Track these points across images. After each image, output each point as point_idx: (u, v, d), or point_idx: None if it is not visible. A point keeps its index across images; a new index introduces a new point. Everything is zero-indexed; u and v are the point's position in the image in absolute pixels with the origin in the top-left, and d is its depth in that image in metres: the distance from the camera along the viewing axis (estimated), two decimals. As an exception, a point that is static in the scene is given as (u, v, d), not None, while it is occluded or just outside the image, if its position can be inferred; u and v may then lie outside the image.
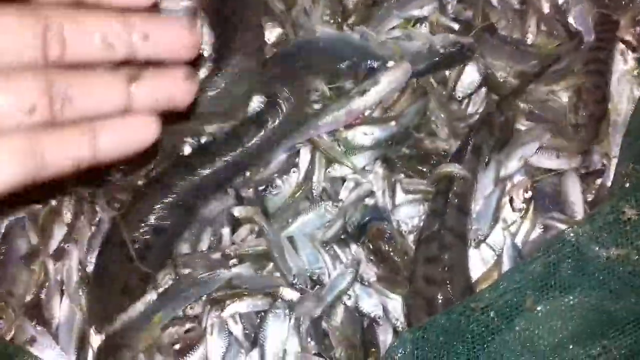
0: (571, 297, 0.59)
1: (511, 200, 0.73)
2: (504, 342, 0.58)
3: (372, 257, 0.73)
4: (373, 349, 0.71)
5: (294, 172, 0.76)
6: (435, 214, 0.71)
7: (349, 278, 0.72)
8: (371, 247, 0.73)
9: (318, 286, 0.72)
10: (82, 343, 0.72)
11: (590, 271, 0.58)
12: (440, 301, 0.67)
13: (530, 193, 0.73)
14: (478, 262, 0.73)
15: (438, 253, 0.68)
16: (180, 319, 0.73)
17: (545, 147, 0.75)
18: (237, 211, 0.74)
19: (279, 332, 0.70)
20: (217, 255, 0.74)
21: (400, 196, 0.74)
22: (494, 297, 0.60)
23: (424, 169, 0.75)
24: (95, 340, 0.72)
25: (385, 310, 0.72)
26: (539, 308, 0.59)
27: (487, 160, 0.74)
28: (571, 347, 0.57)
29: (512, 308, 0.59)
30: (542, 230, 0.73)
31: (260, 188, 0.75)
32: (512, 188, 0.73)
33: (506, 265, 0.71)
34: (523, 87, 0.77)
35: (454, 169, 0.72)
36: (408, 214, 0.73)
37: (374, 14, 0.78)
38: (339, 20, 0.78)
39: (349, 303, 0.72)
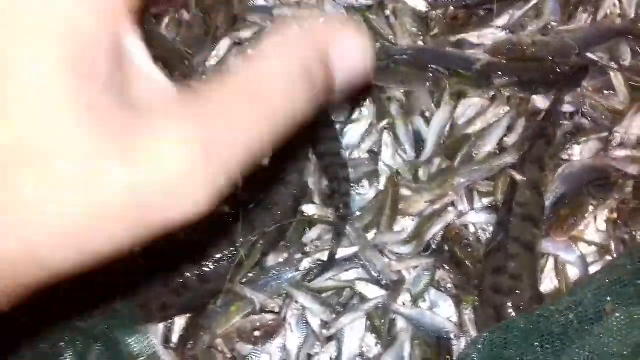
0: (651, 307, 0.60)
1: (596, 220, 0.73)
2: (583, 345, 0.60)
3: (445, 264, 0.75)
4: (447, 352, 0.73)
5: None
6: (501, 224, 0.74)
7: (425, 281, 0.75)
8: (447, 248, 0.75)
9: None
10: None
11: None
12: (508, 310, 0.69)
13: (615, 215, 0.73)
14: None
15: (504, 263, 0.71)
16: (260, 312, 0.77)
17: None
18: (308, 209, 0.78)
19: (357, 328, 0.74)
20: (298, 255, 0.78)
21: (478, 203, 0.77)
22: (573, 301, 0.62)
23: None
24: (180, 322, 0.77)
25: (459, 315, 0.74)
26: (617, 314, 0.60)
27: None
28: (650, 356, 0.58)
29: (592, 312, 0.61)
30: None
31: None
32: (597, 207, 0.74)
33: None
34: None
35: (515, 175, 0.74)
36: (486, 220, 0.75)
37: (454, 28, 0.82)
38: (422, 32, 0.82)
39: (424, 306, 0.75)
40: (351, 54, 0.27)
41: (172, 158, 0.22)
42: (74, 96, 0.21)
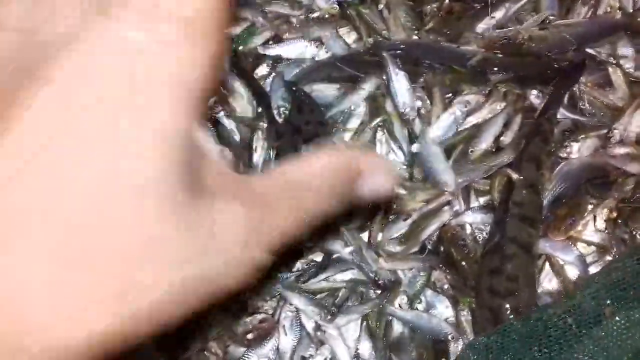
0: (651, 309, 0.59)
1: (595, 219, 0.72)
2: (582, 349, 0.58)
3: (442, 264, 0.74)
4: (443, 355, 0.72)
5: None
6: (497, 224, 0.72)
7: (420, 282, 0.73)
8: (442, 249, 0.74)
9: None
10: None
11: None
12: (505, 312, 0.68)
13: (615, 214, 0.71)
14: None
15: (500, 264, 0.69)
16: (254, 313, 0.76)
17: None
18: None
19: (352, 329, 0.73)
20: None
21: (474, 202, 0.75)
22: (571, 304, 0.61)
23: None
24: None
25: (456, 317, 0.73)
26: (617, 318, 0.59)
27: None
28: (651, 358, 0.57)
29: (591, 316, 0.59)
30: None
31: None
32: (596, 206, 0.72)
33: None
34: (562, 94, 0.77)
35: (511, 174, 0.72)
36: (483, 219, 0.74)
37: (448, 22, 0.81)
38: (416, 26, 0.81)
39: (420, 308, 0.74)
40: (377, 186, 0.34)
41: (227, 246, 0.27)
42: (164, 200, 0.25)
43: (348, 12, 0.81)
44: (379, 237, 0.75)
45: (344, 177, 0.33)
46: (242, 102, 0.79)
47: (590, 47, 0.79)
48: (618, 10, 0.80)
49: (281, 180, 0.31)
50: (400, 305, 0.73)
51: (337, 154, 0.34)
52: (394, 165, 0.36)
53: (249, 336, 0.75)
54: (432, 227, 0.74)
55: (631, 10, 0.80)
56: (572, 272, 0.71)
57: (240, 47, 0.80)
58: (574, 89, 0.76)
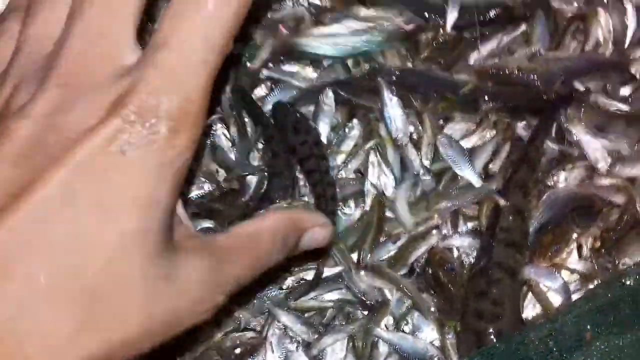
0: (629, 336, 0.60)
1: (579, 248, 0.74)
2: (563, 373, 0.60)
3: (429, 287, 0.75)
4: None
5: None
6: (484, 248, 0.74)
7: (407, 304, 0.74)
8: (430, 271, 0.75)
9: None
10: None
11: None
12: (490, 336, 0.69)
13: (599, 243, 0.73)
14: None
15: (486, 288, 0.71)
16: (242, 330, 0.76)
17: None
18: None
19: (338, 349, 0.74)
20: (282, 273, 0.78)
21: (462, 227, 0.77)
22: (553, 328, 0.62)
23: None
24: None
25: (441, 340, 0.74)
26: (597, 343, 0.60)
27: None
28: (630, 384, 0.58)
29: (572, 340, 0.61)
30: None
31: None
32: (581, 235, 0.74)
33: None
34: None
35: (498, 200, 0.74)
36: (470, 244, 0.75)
37: (443, 52, 0.83)
38: (411, 55, 0.83)
39: (407, 329, 0.75)
40: (317, 237, 0.45)
41: (195, 292, 0.35)
42: (143, 252, 0.32)
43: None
44: (369, 259, 0.76)
45: (290, 232, 0.42)
46: (239, 122, 0.81)
47: (579, 81, 0.81)
48: (610, 46, 0.82)
49: (237, 237, 0.39)
50: (386, 326, 0.74)
51: (283, 212, 0.43)
52: (328, 222, 0.47)
53: (236, 351, 0.76)
54: (421, 250, 0.76)
55: (621, 47, 0.82)
56: (555, 299, 0.72)
57: (241, 68, 0.82)
58: (561, 120, 0.78)
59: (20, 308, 0.30)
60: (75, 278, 0.30)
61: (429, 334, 0.74)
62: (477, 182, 0.76)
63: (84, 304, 0.31)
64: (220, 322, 0.76)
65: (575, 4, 0.83)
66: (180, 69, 0.31)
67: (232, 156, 0.81)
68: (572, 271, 0.73)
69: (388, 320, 0.75)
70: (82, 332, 0.31)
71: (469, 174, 0.77)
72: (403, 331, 0.74)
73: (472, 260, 0.75)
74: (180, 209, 0.36)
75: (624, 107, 0.78)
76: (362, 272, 0.75)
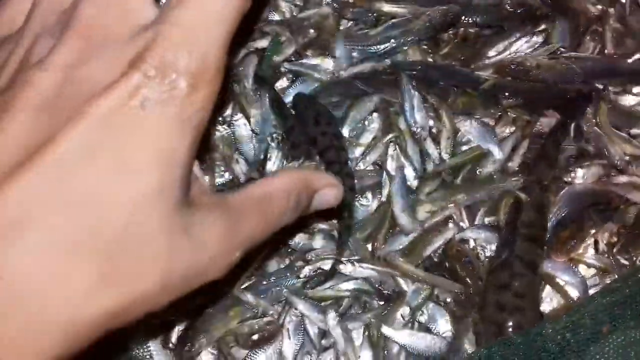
0: (647, 330, 0.61)
1: (596, 243, 0.74)
2: (579, 364, 0.60)
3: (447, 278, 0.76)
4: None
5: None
6: (505, 243, 0.74)
7: (423, 294, 0.75)
8: (447, 265, 0.76)
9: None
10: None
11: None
12: (511, 327, 0.69)
13: (616, 239, 0.74)
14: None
15: (509, 281, 0.71)
16: (260, 317, 0.77)
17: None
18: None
19: (354, 337, 0.74)
20: (299, 262, 0.79)
21: (479, 220, 0.78)
22: (571, 321, 0.63)
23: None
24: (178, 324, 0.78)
25: (455, 331, 0.74)
26: (614, 336, 0.61)
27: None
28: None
29: (589, 333, 0.61)
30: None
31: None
32: (598, 231, 0.74)
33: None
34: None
35: (519, 195, 0.75)
36: (487, 237, 0.76)
37: (462, 48, 0.84)
38: (432, 50, 0.85)
39: (422, 320, 0.75)
40: (328, 197, 0.45)
41: (211, 247, 0.35)
42: (163, 206, 0.32)
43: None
44: (385, 249, 0.77)
45: (302, 191, 0.42)
46: (261, 112, 0.82)
47: (598, 81, 0.82)
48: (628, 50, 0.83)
49: (250, 196, 0.39)
50: (402, 316, 0.75)
51: (295, 172, 0.45)
52: (339, 182, 0.46)
53: (254, 337, 0.77)
54: (437, 244, 0.77)
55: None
56: (573, 293, 0.73)
57: (265, 60, 0.83)
58: (581, 117, 0.79)
59: (38, 260, 0.29)
60: (94, 232, 0.30)
61: (443, 326, 0.75)
62: (498, 153, 0.78)
63: (104, 258, 0.31)
64: (238, 310, 0.77)
65: (597, 6, 0.84)
66: (198, 25, 0.31)
67: (252, 146, 0.82)
68: (589, 266, 0.74)
69: (404, 310, 0.75)
70: (101, 285, 0.31)
71: (492, 146, 0.78)
72: (418, 322, 0.75)
73: (490, 254, 0.76)
74: (196, 167, 0.37)
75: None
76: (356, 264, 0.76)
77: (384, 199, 0.79)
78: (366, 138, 0.81)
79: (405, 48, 0.83)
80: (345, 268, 0.75)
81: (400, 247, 0.77)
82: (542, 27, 0.84)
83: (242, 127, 0.83)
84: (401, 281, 0.76)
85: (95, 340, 0.32)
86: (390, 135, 0.81)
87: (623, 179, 0.75)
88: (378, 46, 0.83)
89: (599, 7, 0.83)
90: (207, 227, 0.35)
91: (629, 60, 0.82)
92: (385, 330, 0.74)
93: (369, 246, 0.78)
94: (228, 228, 0.36)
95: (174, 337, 0.77)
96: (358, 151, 0.81)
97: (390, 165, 0.79)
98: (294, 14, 0.87)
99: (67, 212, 0.30)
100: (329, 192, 0.45)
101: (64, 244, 0.30)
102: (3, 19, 0.40)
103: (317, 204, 0.45)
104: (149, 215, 0.32)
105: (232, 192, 0.39)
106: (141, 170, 0.31)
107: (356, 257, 0.77)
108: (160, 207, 0.32)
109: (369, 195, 0.79)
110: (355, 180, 0.78)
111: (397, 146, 0.80)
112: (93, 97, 0.30)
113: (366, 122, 0.82)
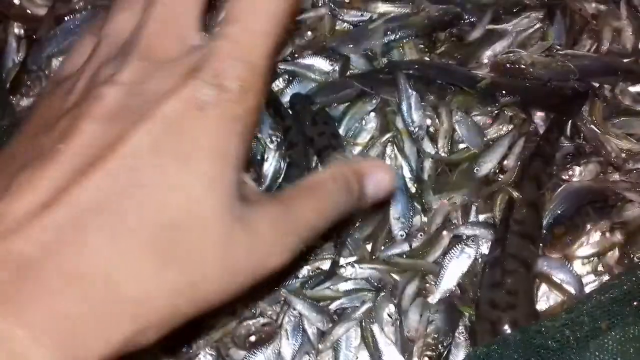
0: (646, 326, 0.61)
1: (592, 241, 0.74)
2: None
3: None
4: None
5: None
6: (498, 240, 0.75)
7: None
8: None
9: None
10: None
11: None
12: (505, 325, 0.70)
13: (612, 237, 0.74)
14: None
15: (501, 278, 0.71)
16: (259, 316, 0.77)
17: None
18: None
19: (352, 338, 0.74)
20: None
21: (473, 217, 0.78)
22: (569, 317, 0.63)
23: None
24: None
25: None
26: (613, 332, 0.61)
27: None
28: (646, 374, 0.59)
29: (588, 330, 0.61)
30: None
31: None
32: (594, 228, 0.75)
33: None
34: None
35: (512, 193, 0.76)
36: (481, 234, 0.76)
37: (459, 47, 0.85)
38: (429, 50, 0.85)
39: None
40: (380, 181, 0.45)
41: (267, 234, 0.37)
42: (220, 196, 0.36)
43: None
44: (382, 251, 0.77)
45: (350, 176, 0.43)
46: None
47: (594, 80, 0.82)
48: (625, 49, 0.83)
49: (299, 187, 0.41)
50: (389, 314, 0.75)
51: (342, 162, 0.45)
52: (389, 166, 0.47)
53: (251, 339, 0.76)
54: (436, 254, 0.76)
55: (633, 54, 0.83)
56: (569, 291, 0.73)
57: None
58: (577, 115, 0.79)
59: (112, 243, 0.33)
60: (157, 217, 0.34)
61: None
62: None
63: (166, 241, 0.34)
64: (236, 311, 0.77)
65: (593, 4, 0.84)
66: (246, 39, 0.37)
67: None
68: (585, 263, 0.74)
69: (390, 308, 0.75)
70: (166, 267, 0.34)
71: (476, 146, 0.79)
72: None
73: (485, 251, 0.76)
74: (243, 173, 0.39)
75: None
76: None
77: (382, 198, 0.79)
78: (364, 138, 0.81)
79: (405, 41, 0.83)
80: (346, 271, 0.75)
81: (400, 251, 0.77)
82: (538, 25, 0.84)
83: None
84: (395, 277, 0.76)
85: (162, 333, 0.35)
86: (388, 135, 0.81)
87: (619, 176, 0.76)
88: (375, 41, 0.83)
89: (595, 5, 0.84)
90: (261, 217, 0.37)
91: (625, 59, 0.82)
92: (375, 328, 0.74)
93: (369, 246, 0.78)
94: (281, 215, 0.39)
95: (172, 338, 0.76)
96: (356, 151, 0.81)
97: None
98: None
99: (137, 198, 0.33)
100: (380, 176, 0.46)
101: (133, 228, 0.33)
102: (73, 61, 0.45)
103: (373, 191, 0.45)
104: (206, 202, 0.35)
105: (285, 189, 0.43)
106: (199, 162, 0.35)
107: (355, 258, 0.77)
108: (216, 196, 0.35)
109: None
110: None
111: (394, 146, 0.80)
112: (156, 102, 0.35)
113: (363, 122, 0.82)
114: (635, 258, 0.72)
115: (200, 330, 0.76)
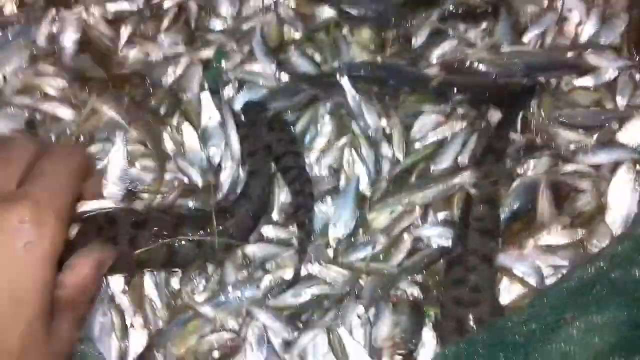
0: (607, 313, 0.62)
1: (548, 233, 0.75)
2: (546, 353, 0.61)
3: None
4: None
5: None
6: (459, 238, 0.75)
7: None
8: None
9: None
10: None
11: (628, 289, 0.62)
12: (471, 321, 0.70)
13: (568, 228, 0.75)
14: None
15: (464, 275, 0.72)
16: (219, 331, 0.75)
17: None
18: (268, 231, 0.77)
19: (319, 345, 0.73)
20: (259, 273, 0.77)
21: (432, 217, 0.78)
22: (533, 311, 0.64)
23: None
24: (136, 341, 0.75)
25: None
26: (577, 323, 0.62)
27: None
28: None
29: (552, 321, 0.62)
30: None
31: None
32: (550, 221, 0.76)
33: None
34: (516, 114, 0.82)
35: (469, 190, 0.76)
36: (441, 233, 0.76)
37: (408, 48, 0.86)
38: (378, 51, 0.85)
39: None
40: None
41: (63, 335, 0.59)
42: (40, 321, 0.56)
43: (312, 35, 0.85)
44: (349, 255, 0.76)
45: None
46: (208, 121, 0.80)
47: (539, 74, 0.84)
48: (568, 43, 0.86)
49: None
50: (358, 316, 0.74)
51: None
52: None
53: (214, 354, 0.74)
54: (399, 257, 0.76)
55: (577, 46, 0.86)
56: (530, 284, 0.74)
57: (210, 70, 0.82)
58: (526, 110, 0.81)
59: None
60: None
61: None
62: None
63: None
64: (196, 324, 0.74)
65: (536, 4, 0.86)
66: (46, 198, 0.56)
67: (204, 156, 0.80)
68: (544, 256, 0.75)
69: (359, 309, 0.74)
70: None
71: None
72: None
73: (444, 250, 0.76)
74: None
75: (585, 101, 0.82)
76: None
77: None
78: (320, 142, 0.80)
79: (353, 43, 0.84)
80: (312, 268, 0.74)
81: (363, 255, 0.76)
82: (484, 25, 0.85)
83: (190, 136, 0.81)
84: (360, 281, 0.75)
85: None
86: (344, 139, 0.80)
87: (570, 167, 0.77)
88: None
89: (539, 3, 0.86)
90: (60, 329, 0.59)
91: (568, 54, 0.84)
92: (342, 332, 0.73)
93: (330, 251, 0.77)
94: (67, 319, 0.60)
95: (130, 358, 0.73)
96: (313, 156, 0.80)
97: (347, 169, 0.79)
98: (236, 22, 0.85)
99: None
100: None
101: None
102: None
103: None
104: (24, 323, 0.54)
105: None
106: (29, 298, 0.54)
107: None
108: (32, 319, 0.55)
109: (328, 200, 0.78)
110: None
111: (352, 149, 0.79)
112: None
113: (319, 126, 0.81)
114: (589, 247, 0.73)
115: (160, 346, 0.74)
